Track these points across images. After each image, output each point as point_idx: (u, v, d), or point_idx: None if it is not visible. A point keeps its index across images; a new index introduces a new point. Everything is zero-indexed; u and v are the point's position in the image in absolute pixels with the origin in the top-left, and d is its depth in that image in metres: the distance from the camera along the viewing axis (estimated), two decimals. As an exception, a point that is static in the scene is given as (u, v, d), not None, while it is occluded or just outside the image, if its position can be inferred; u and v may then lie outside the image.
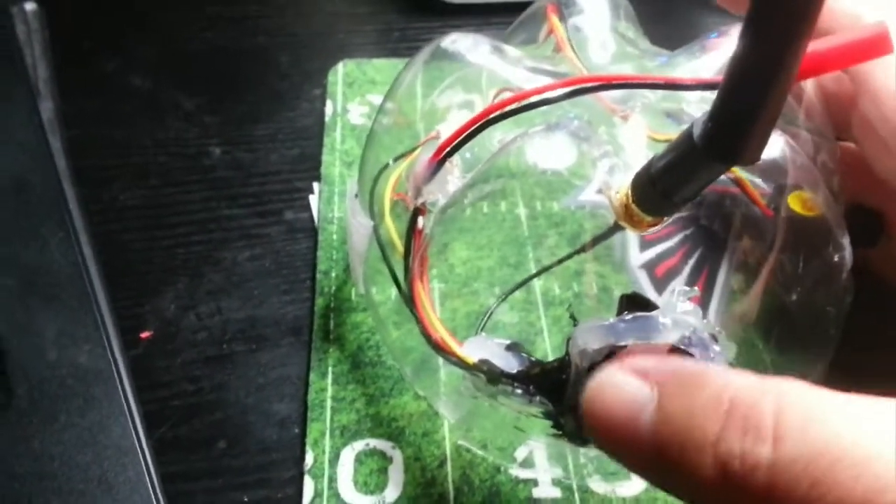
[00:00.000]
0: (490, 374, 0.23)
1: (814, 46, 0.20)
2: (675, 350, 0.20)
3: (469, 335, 0.24)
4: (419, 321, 0.25)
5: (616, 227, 0.24)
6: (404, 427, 0.29)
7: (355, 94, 0.43)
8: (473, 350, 0.23)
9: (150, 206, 0.37)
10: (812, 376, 0.25)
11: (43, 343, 0.29)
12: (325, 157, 0.39)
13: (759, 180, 0.26)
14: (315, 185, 0.38)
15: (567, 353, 0.21)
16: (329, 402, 0.30)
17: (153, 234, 0.36)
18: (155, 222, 0.36)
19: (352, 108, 0.42)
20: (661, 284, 0.31)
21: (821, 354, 0.25)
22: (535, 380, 0.22)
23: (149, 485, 0.26)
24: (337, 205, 0.37)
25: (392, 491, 0.28)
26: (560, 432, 0.23)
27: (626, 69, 0.27)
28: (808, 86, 0.27)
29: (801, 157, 0.25)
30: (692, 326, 0.20)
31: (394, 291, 0.27)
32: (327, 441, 0.29)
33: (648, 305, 0.21)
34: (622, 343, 0.20)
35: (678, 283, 0.30)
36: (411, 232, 0.26)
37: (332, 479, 0.28)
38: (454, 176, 0.26)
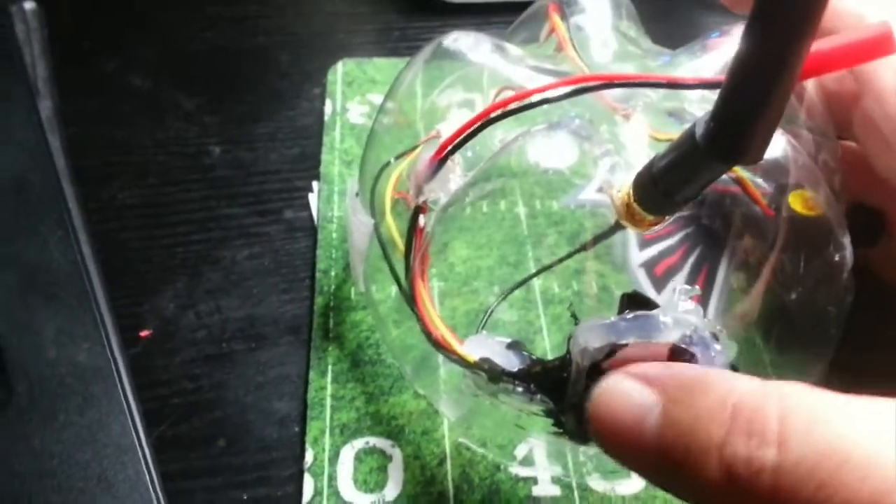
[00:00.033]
0: (491, 373, 0.23)
1: (817, 46, 0.20)
2: (676, 349, 0.20)
3: (468, 334, 0.24)
4: (420, 319, 0.25)
5: (617, 226, 0.24)
6: (404, 425, 0.29)
7: (355, 94, 0.43)
8: (474, 348, 0.23)
9: (149, 205, 0.37)
10: (812, 376, 0.25)
11: (42, 341, 0.29)
12: (325, 156, 0.39)
13: (760, 179, 0.26)
14: (314, 184, 0.38)
15: (568, 352, 0.21)
16: (329, 401, 0.30)
17: (152, 232, 0.36)
18: (154, 221, 0.36)
19: (351, 108, 0.42)
20: (660, 283, 0.31)
21: (821, 354, 0.26)
22: (536, 378, 0.22)
23: (148, 483, 0.26)
24: (336, 204, 0.37)
25: (392, 489, 0.28)
26: (561, 430, 0.23)
27: (628, 68, 0.27)
28: (809, 85, 0.27)
29: (803, 157, 0.25)
30: (693, 325, 0.20)
31: (394, 290, 0.27)
32: (327, 439, 0.29)
33: (649, 304, 0.21)
34: (623, 342, 0.20)
35: (678, 282, 0.30)
36: (412, 230, 0.26)
37: (332, 478, 0.28)
38: (456, 174, 0.26)
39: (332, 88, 0.43)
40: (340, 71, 0.44)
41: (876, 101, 0.25)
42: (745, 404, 0.16)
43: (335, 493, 0.27)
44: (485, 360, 0.23)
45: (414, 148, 0.28)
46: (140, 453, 0.27)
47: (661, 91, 0.26)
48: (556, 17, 0.29)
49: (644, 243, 0.32)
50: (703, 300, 0.28)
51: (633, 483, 0.28)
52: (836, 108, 0.27)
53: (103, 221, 0.36)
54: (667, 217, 0.23)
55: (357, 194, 0.30)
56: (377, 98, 0.42)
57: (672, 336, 0.20)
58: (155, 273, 0.34)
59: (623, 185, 0.23)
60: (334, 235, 0.36)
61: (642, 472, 0.19)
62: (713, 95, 0.18)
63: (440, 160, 0.25)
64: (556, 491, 0.28)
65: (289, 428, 0.29)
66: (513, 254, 0.34)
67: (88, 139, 0.39)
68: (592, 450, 0.27)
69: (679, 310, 0.21)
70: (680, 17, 0.50)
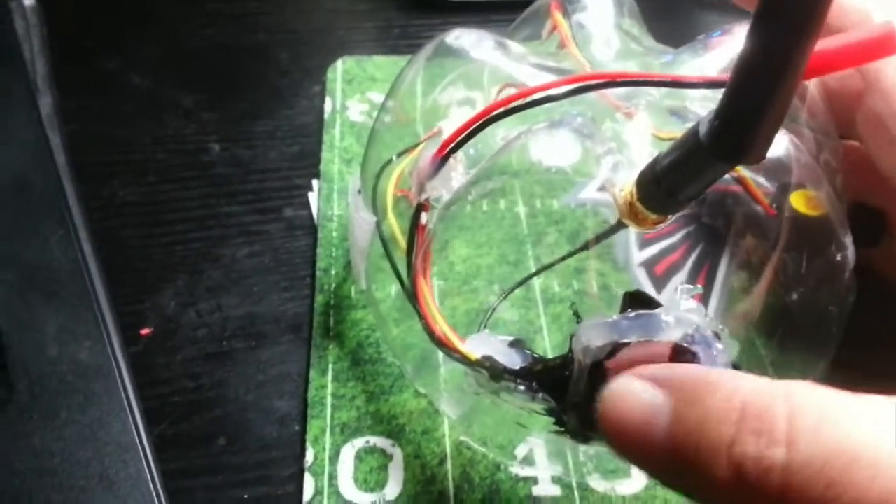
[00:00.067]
0: (493, 371, 0.23)
1: (821, 45, 0.20)
2: (678, 348, 0.20)
3: (468, 333, 0.24)
4: (422, 317, 0.24)
5: (619, 225, 0.24)
6: (404, 424, 0.29)
7: (355, 91, 0.43)
8: (476, 346, 0.23)
9: (149, 202, 0.37)
10: (813, 375, 0.25)
11: (43, 339, 0.29)
12: (325, 154, 0.39)
13: (762, 179, 0.26)
14: (314, 182, 0.38)
15: (570, 350, 0.21)
16: (329, 400, 0.30)
17: (152, 230, 0.36)
18: (154, 219, 0.36)
19: (351, 105, 0.42)
20: (660, 282, 0.31)
21: (822, 353, 0.26)
22: (538, 376, 0.22)
23: (149, 481, 0.26)
24: (336, 202, 0.37)
25: (392, 488, 0.28)
26: (562, 429, 0.23)
27: (631, 66, 0.27)
28: (812, 84, 0.27)
29: (805, 156, 0.25)
30: (695, 324, 0.20)
31: (394, 288, 0.27)
32: (327, 438, 0.29)
33: (651, 303, 0.21)
34: (625, 340, 0.20)
35: (678, 281, 0.30)
36: (414, 228, 0.26)
37: (333, 477, 0.28)
38: (458, 172, 0.26)
39: (331, 86, 0.43)
40: (340, 69, 0.44)
41: (883, 100, 0.25)
42: (753, 404, 0.17)
43: (335, 492, 0.27)
44: (487, 359, 0.23)
45: (416, 145, 0.28)
46: (141, 452, 0.27)
47: (664, 89, 0.26)
48: (558, 15, 0.29)
49: (644, 242, 0.32)
50: (704, 299, 0.28)
51: (634, 483, 0.28)
52: (839, 107, 0.27)
53: (104, 219, 0.35)
54: (669, 216, 0.23)
55: (359, 191, 0.29)
56: (377, 96, 0.42)
57: (674, 335, 0.20)
58: (155, 271, 0.34)
59: (626, 183, 0.23)
60: (334, 234, 0.35)
61: (652, 472, 0.19)
62: (716, 94, 0.18)
63: (442, 158, 0.25)
64: (556, 491, 0.28)
65: (289, 427, 0.29)
66: (513, 252, 0.34)
67: (89, 137, 0.39)
68: (593, 449, 0.28)
69: (681, 309, 0.21)
70: (682, 15, 0.50)
